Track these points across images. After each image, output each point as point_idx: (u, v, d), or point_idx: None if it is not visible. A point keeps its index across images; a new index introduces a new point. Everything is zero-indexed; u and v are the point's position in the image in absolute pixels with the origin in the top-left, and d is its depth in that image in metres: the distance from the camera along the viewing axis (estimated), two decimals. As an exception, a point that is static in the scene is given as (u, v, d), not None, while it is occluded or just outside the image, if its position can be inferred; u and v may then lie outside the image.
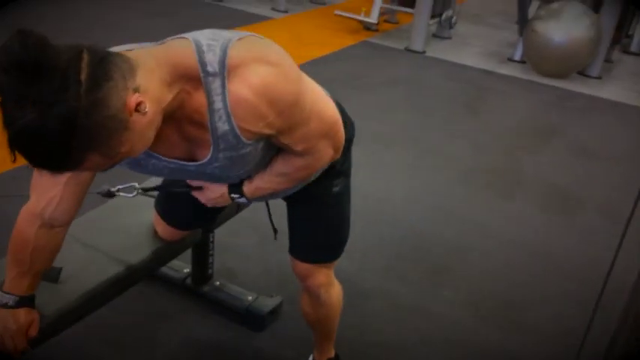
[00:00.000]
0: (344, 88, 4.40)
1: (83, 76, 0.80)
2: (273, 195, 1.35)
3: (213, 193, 1.28)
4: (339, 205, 1.45)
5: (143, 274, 1.54)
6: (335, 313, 1.62)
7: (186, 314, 2.01)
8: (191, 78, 0.97)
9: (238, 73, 0.97)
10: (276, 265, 2.24)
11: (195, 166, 1.10)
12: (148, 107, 0.88)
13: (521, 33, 5.30)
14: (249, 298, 2.00)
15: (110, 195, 1.39)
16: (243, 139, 1.04)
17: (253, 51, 1.00)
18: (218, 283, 2.06)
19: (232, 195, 1.27)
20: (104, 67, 0.83)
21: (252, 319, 1.96)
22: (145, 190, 1.38)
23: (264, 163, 1.21)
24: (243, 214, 1.94)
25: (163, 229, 1.58)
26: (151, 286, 2.10)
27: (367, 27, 5.91)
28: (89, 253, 1.44)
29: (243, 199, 1.28)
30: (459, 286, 2.33)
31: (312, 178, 1.32)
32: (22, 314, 1.20)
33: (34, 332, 1.21)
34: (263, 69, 0.98)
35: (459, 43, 5.96)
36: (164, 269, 2.10)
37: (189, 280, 2.06)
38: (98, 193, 1.38)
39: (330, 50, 5.22)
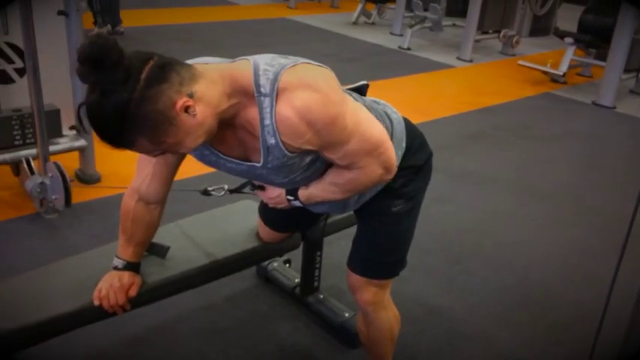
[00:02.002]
0: (510, 136, 4.31)
1: (143, 76, 1.03)
2: (332, 207, 1.47)
3: (272, 193, 1.44)
4: (397, 226, 1.50)
5: (232, 269, 1.77)
6: (384, 337, 1.65)
7: (290, 320, 2.18)
8: (247, 94, 1.16)
9: (285, 96, 1.14)
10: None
11: (248, 166, 1.28)
12: (199, 111, 1.08)
13: None
14: (346, 314, 2.10)
15: (207, 193, 1.65)
16: (287, 153, 1.20)
17: (301, 78, 1.15)
18: (322, 296, 2.20)
19: (288, 197, 1.42)
20: (164, 71, 1.05)
21: (345, 335, 2.06)
22: (231, 192, 1.61)
23: (314, 176, 1.35)
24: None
25: (263, 230, 1.79)
26: (267, 289, 2.33)
27: (554, 79, 5.68)
28: (191, 244, 1.71)
29: (297, 202, 1.41)
30: (577, 351, 2.15)
31: (368, 196, 1.43)
32: (126, 276, 1.47)
33: (133, 293, 1.47)
34: (306, 94, 1.13)
35: (660, 102, 5.43)
36: (280, 277, 2.31)
37: (297, 290, 2.24)
38: (198, 191, 1.66)
39: (506, 99, 5.13)
